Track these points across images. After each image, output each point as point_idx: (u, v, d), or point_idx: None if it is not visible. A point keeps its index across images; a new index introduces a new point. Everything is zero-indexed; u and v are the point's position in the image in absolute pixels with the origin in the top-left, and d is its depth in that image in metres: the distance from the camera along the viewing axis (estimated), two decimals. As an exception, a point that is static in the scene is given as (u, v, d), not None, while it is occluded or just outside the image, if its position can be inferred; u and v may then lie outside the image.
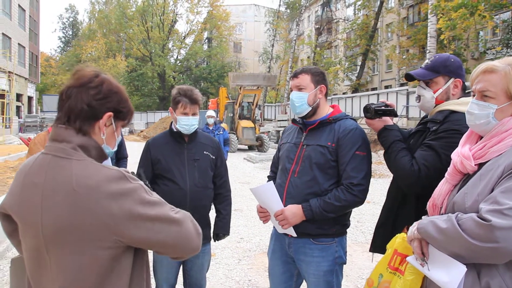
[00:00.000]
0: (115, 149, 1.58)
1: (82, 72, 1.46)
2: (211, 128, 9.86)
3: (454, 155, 1.74)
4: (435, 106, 2.26)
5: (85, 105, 1.41)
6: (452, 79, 2.23)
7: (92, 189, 1.31)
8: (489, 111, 1.63)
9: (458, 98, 2.22)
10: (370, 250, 2.48)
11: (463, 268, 1.50)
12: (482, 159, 1.62)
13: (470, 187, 1.59)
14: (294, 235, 2.53)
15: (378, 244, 2.40)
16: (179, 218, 1.41)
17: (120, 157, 4.40)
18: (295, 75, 2.62)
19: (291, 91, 2.63)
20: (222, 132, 9.94)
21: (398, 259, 1.86)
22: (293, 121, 2.76)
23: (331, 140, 2.50)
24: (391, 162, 2.23)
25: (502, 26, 22.65)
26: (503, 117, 1.61)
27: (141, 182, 1.42)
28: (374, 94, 25.29)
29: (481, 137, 1.71)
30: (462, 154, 1.68)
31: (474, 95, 1.71)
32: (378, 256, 2.59)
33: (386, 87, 35.70)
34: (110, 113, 1.46)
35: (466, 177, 1.68)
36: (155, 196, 1.42)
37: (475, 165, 1.63)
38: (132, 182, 1.38)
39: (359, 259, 5.35)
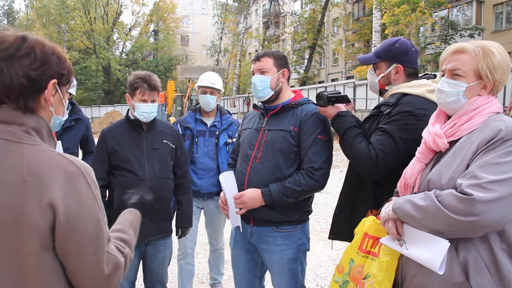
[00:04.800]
0: (66, 117, 1.40)
1: (3, 39, 1.21)
2: (208, 124, 3.79)
3: (425, 134, 1.77)
4: (386, 90, 2.30)
5: (23, 79, 1.20)
6: (394, 65, 2.27)
7: (45, 180, 1.14)
8: (459, 89, 1.67)
9: (401, 83, 2.25)
10: (329, 238, 2.46)
11: (446, 243, 1.52)
12: (453, 137, 1.66)
13: (445, 164, 1.62)
14: (238, 224, 2.55)
15: (337, 231, 2.40)
16: (111, 265, 1.25)
17: (87, 151, 4.09)
18: (257, 58, 2.56)
19: (253, 74, 2.57)
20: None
21: (370, 242, 1.86)
22: (254, 106, 2.72)
23: (294, 124, 2.46)
24: (347, 148, 2.23)
25: (440, 22, 23.80)
26: (471, 96, 1.67)
27: (98, 194, 1.25)
28: (321, 86, 25.79)
29: (449, 117, 1.75)
30: (434, 132, 1.71)
31: (443, 75, 1.74)
32: (337, 243, 2.60)
33: (333, 80, 36.46)
34: (54, 80, 1.27)
35: (438, 155, 1.71)
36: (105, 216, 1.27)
37: (447, 142, 1.67)
38: (92, 187, 1.22)
39: (316, 248, 5.41)
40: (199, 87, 3.79)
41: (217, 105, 3.85)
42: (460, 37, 22.35)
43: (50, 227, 1.15)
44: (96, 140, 3.06)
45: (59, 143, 1.74)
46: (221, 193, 2.63)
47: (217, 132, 3.74)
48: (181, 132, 3.61)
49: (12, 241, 1.14)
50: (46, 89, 1.25)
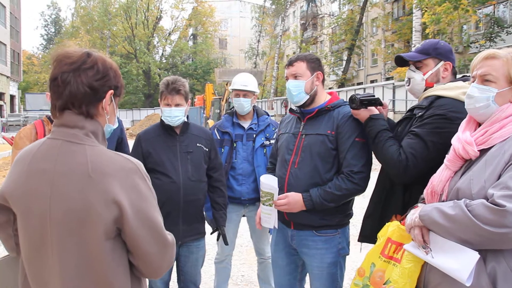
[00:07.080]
0: (116, 125, 1.58)
1: (71, 54, 1.41)
2: (245, 127, 3.62)
3: (455, 141, 1.74)
4: (425, 90, 2.26)
5: (87, 88, 1.39)
6: (442, 62, 2.24)
7: (108, 176, 1.32)
8: (489, 94, 1.65)
9: (448, 82, 2.21)
10: (359, 240, 2.46)
11: (475, 255, 1.49)
12: (484, 145, 1.63)
13: (475, 173, 1.59)
14: (271, 227, 2.56)
15: (367, 234, 2.40)
16: (170, 241, 1.47)
17: (123, 153, 4.28)
18: (290, 63, 2.56)
19: (287, 79, 2.57)
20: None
21: (393, 248, 1.85)
22: (291, 110, 2.71)
23: (331, 128, 2.45)
24: (379, 151, 2.22)
25: (485, 20, 22.88)
26: (502, 102, 1.64)
27: (151, 185, 1.45)
28: (360, 88, 25.42)
29: (479, 124, 1.72)
30: (464, 140, 1.68)
31: (474, 81, 1.72)
32: (367, 246, 2.59)
33: (372, 81, 35.83)
34: (111, 91, 1.46)
35: (467, 163, 1.68)
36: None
37: (477, 151, 1.64)
38: (147, 180, 1.42)
39: (352, 252, 5.28)
40: (232, 90, 3.62)
41: (254, 106, 3.65)
42: (507, 34, 21.40)
43: (114, 219, 1.32)
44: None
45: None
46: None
47: (254, 135, 3.56)
48: (219, 138, 3.56)
49: (78, 228, 1.32)
50: (104, 98, 1.44)
